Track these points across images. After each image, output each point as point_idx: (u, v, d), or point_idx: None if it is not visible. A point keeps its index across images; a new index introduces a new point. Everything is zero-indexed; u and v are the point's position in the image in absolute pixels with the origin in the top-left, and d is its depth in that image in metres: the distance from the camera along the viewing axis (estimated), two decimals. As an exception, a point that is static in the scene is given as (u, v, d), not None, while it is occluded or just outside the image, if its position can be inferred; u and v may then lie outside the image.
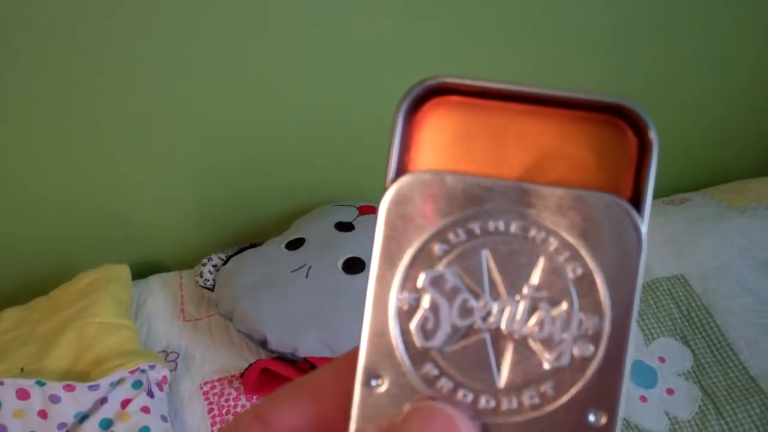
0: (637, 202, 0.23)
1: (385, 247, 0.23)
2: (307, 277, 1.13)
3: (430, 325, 0.23)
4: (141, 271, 1.31)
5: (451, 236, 0.23)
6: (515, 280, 0.23)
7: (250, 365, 1.10)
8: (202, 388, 1.11)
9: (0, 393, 0.99)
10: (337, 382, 0.24)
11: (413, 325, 0.23)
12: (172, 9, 1.08)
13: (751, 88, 1.45)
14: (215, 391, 1.10)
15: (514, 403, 0.22)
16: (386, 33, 1.20)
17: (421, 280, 0.23)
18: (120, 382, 1.03)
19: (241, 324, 1.12)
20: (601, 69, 1.32)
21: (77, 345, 1.09)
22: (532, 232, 0.23)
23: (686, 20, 1.32)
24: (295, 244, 1.20)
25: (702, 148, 1.51)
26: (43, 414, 0.99)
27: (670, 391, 1.10)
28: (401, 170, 0.24)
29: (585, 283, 0.23)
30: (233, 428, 0.25)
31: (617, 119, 0.24)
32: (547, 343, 0.23)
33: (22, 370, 1.06)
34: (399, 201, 0.23)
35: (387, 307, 0.23)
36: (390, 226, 0.23)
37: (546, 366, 0.23)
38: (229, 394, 1.10)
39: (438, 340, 0.23)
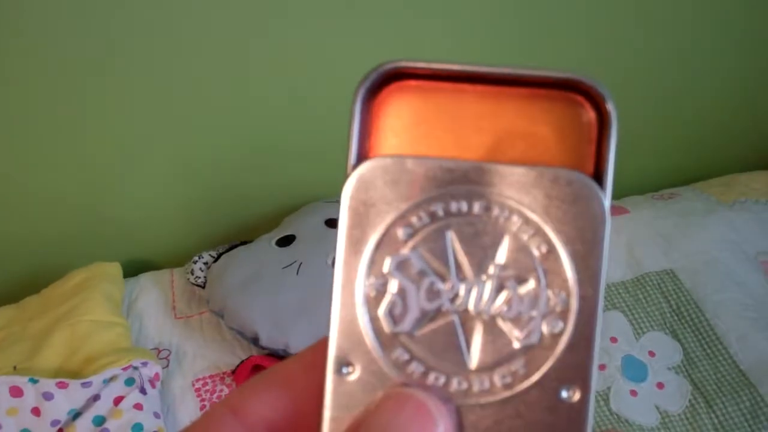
0: (599, 177, 0.23)
1: (350, 234, 0.23)
2: (297, 273, 1.13)
3: (398, 310, 0.23)
4: (132, 269, 1.31)
5: (414, 220, 0.23)
6: (481, 260, 0.23)
7: (242, 362, 1.10)
8: (194, 384, 1.11)
9: (-7, 391, 1.00)
10: (307, 371, 0.24)
11: (381, 311, 0.23)
12: (160, 7, 1.08)
13: (738, 81, 1.46)
14: (207, 387, 1.11)
15: (486, 384, 0.22)
16: (375, 32, 1.20)
17: (387, 265, 0.23)
18: (112, 379, 1.03)
19: (232, 321, 1.12)
20: (586, 63, 1.32)
21: (69, 343, 1.09)
22: (496, 212, 0.23)
23: (673, 13, 1.32)
24: (285, 241, 1.21)
25: (690, 142, 1.51)
26: (36, 411, 0.99)
27: (660, 385, 1.10)
28: (362, 157, 0.24)
29: (551, 260, 0.23)
30: (206, 420, 0.25)
31: (575, 94, 0.24)
32: (516, 321, 0.23)
33: (14, 368, 1.06)
34: (361, 187, 0.23)
35: (354, 294, 0.23)
36: (353, 213, 0.23)
37: (516, 345, 0.22)
38: (221, 390, 1.10)
39: (407, 325, 0.23)
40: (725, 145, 1.53)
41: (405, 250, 0.23)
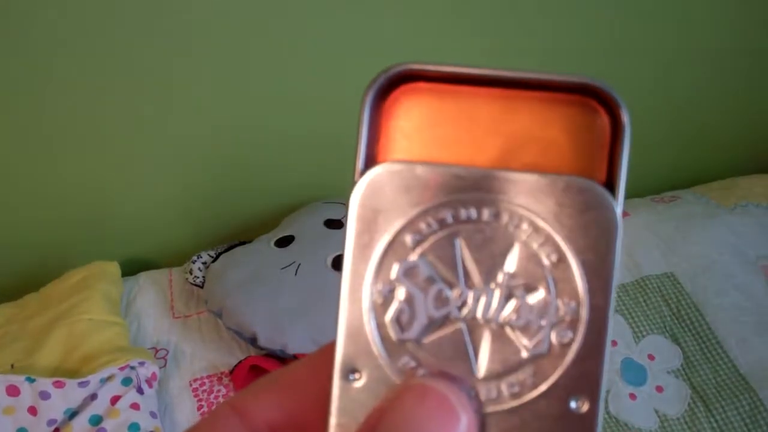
0: (611, 184, 0.23)
1: (358, 239, 0.23)
2: (296, 274, 1.13)
3: (405, 317, 0.23)
4: (131, 269, 1.31)
5: (423, 226, 0.23)
6: (490, 268, 0.22)
7: (240, 362, 1.10)
8: (191, 384, 1.11)
9: (-10, 390, 0.99)
10: (313, 376, 0.24)
11: (388, 318, 0.23)
12: (161, 9, 1.08)
13: (741, 85, 1.46)
14: (205, 387, 1.10)
15: (494, 393, 0.22)
16: (376, 30, 1.20)
17: (395, 271, 0.23)
18: (109, 378, 1.03)
19: (230, 321, 1.12)
20: (587, 65, 1.32)
21: (67, 342, 1.09)
22: (506, 219, 0.22)
23: (675, 17, 1.32)
24: (284, 242, 1.20)
25: (692, 145, 1.51)
26: (32, 410, 0.99)
27: (659, 389, 1.10)
28: (370, 161, 0.24)
29: (561, 268, 0.22)
30: (211, 420, 0.25)
31: (589, 99, 0.23)
32: (525, 330, 0.22)
33: (12, 366, 1.06)
34: (369, 193, 0.23)
35: (361, 300, 0.23)
36: (361, 219, 0.23)
37: (524, 354, 0.22)
38: (219, 391, 1.10)
39: (414, 332, 0.23)
40: (726, 148, 1.53)
41: (413, 257, 0.23)
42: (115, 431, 0.98)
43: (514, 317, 0.22)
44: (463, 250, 0.23)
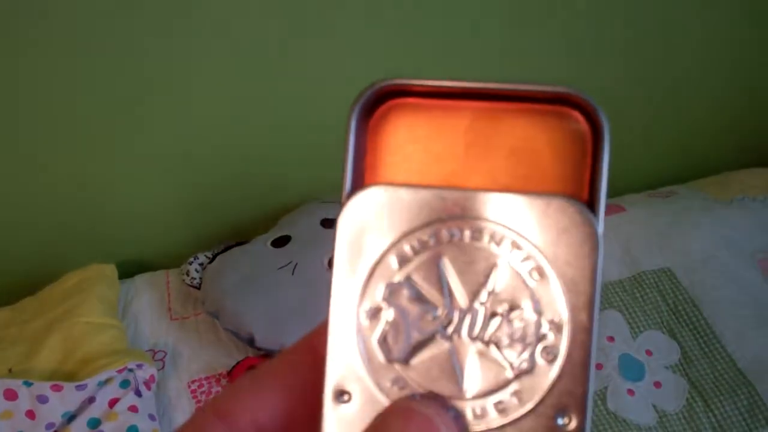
0: (593, 194, 0.23)
1: (344, 263, 0.23)
2: (293, 274, 1.13)
3: (392, 338, 0.23)
4: (127, 271, 1.31)
5: (408, 248, 0.23)
6: (474, 288, 0.23)
7: (238, 363, 1.10)
8: (189, 386, 1.11)
9: (-13, 394, 0.99)
10: (293, 372, 0.24)
11: (375, 339, 0.23)
12: (162, 8, 1.08)
13: (735, 79, 1.46)
14: (203, 389, 1.10)
15: (481, 411, 0.22)
16: (375, 32, 1.20)
17: (381, 293, 0.23)
18: (107, 381, 1.03)
19: (228, 322, 1.12)
20: (584, 61, 1.32)
21: (65, 345, 1.09)
22: (488, 240, 0.23)
23: (669, 12, 1.33)
24: (281, 242, 1.20)
25: (687, 140, 1.51)
26: (30, 414, 0.99)
27: (657, 384, 1.10)
28: (358, 177, 0.24)
29: (544, 287, 0.23)
30: (191, 427, 0.25)
31: (569, 109, 0.24)
32: (510, 348, 0.23)
33: (10, 371, 1.06)
34: (355, 216, 0.23)
35: (348, 322, 0.23)
36: (347, 242, 0.23)
37: (510, 372, 0.22)
38: (217, 392, 1.10)
39: (401, 353, 0.23)
40: (722, 142, 1.53)
41: (399, 278, 0.23)
42: (113, 434, 0.98)
43: (499, 336, 0.23)
44: (447, 270, 0.23)
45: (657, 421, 1.06)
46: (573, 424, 0.22)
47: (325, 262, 1.15)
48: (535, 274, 0.23)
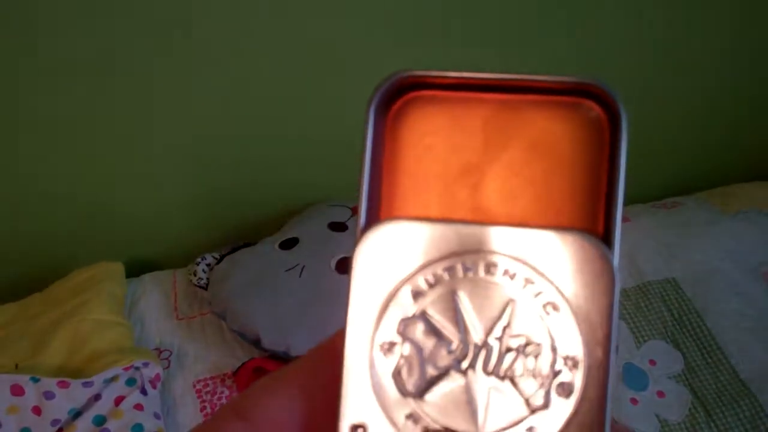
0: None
1: (360, 296, 0.23)
2: (300, 276, 1.13)
3: (407, 372, 0.23)
4: (135, 270, 1.31)
5: (423, 282, 0.23)
6: (489, 322, 0.23)
7: (243, 364, 1.10)
8: (195, 386, 1.11)
9: (-6, 389, 1.00)
10: (313, 376, 0.24)
11: (391, 374, 0.23)
12: (167, 8, 1.09)
13: (741, 90, 1.46)
14: (208, 389, 1.11)
15: None
16: (379, 32, 1.21)
17: (396, 327, 0.23)
18: (114, 379, 1.03)
19: (234, 323, 1.12)
20: (589, 68, 1.32)
21: (71, 341, 1.09)
22: (505, 275, 0.23)
23: (675, 23, 1.33)
24: (288, 244, 1.21)
25: (694, 152, 1.51)
26: (37, 410, 0.99)
27: (660, 394, 1.10)
28: (375, 169, 0.24)
29: (559, 323, 0.23)
30: (213, 425, 0.25)
31: (588, 101, 0.24)
32: (525, 384, 0.23)
33: (16, 366, 1.07)
34: (371, 250, 0.23)
35: (363, 356, 0.23)
36: (363, 275, 0.23)
37: (525, 409, 0.22)
38: (222, 392, 1.10)
39: (416, 387, 0.23)
40: (728, 155, 1.53)
41: (414, 312, 0.23)
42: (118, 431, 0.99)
43: (514, 371, 0.23)
44: (462, 304, 0.23)
45: (659, 431, 1.06)
46: None
47: (333, 264, 1.15)
48: (551, 309, 0.23)
